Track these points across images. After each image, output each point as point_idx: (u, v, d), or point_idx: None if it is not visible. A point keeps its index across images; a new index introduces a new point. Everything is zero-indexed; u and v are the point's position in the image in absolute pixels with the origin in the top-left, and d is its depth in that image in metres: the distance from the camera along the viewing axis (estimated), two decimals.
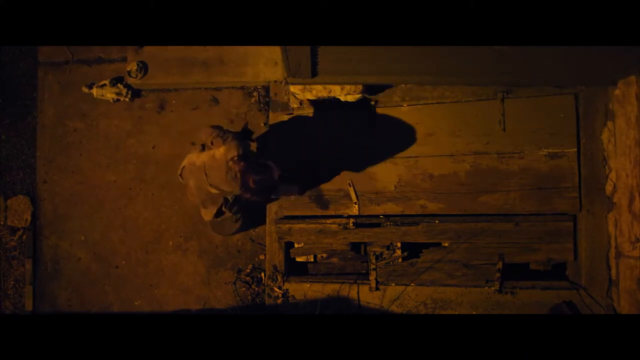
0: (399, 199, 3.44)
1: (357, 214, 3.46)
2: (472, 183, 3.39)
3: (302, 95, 3.38)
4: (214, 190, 2.92)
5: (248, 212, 3.44)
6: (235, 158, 2.77)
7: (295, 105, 3.55)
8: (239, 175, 2.76)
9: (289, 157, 3.45)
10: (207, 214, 3.18)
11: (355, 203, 3.45)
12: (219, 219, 3.23)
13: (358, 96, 3.34)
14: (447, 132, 3.42)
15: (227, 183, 2.82)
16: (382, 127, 3.48)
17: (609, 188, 3.25)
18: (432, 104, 3.45)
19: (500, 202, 3.36)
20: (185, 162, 3.05)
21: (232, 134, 2.93)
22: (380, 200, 3.45)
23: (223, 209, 3.12)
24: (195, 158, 2.97)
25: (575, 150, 3.31)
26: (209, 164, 2.85)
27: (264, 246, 3.70)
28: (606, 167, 3.25)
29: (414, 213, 3.43)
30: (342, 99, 3.36)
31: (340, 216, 3.48)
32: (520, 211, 3.35)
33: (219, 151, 2.83)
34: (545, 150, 3.34)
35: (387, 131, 3.47)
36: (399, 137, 3.47)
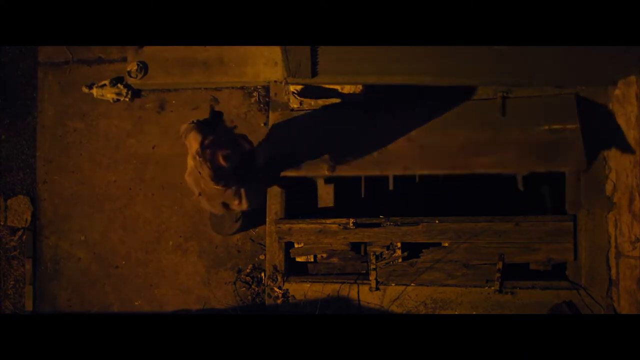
0: (380, 162, 3.34)
1: (328, 174, 3.38)
2: (464, 149, 3.29)
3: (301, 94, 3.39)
4: (215, 187, 2.73)
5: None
6: (198, 150, 2.55)
7: (295, 105, 3.54)
8: (208, 165, 2.56)
9: (288, 157, 3.45)
10: (239, 206, 2.97)
11: (330, 166, 3.33)
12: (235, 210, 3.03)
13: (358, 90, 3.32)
14: (444, 126, 3.39)
15: (208, 178, 2.62)
16: (382, 127, 3.47)
17: (609, 188, 3.25)
18: None
19: (494, 161, 3.24)
20: (188, 169, 2.87)
21: (193, 124, 2.72)
22: (358, 163, 3.36)
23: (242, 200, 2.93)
24: (190, 162, 2.81)
25: (578, 126, 3.20)
26: (193, 164, 2.69)
27: (264, 246, 3.70)
28: (606, 167, 3.25)
29: (395, 173, 3.34)
30: None
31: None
32: (517, 170, 3.24)
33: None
34: (547, 127, 3.25)
35: (387, 131, 3.47)
36: (399, 137, 3.46)
